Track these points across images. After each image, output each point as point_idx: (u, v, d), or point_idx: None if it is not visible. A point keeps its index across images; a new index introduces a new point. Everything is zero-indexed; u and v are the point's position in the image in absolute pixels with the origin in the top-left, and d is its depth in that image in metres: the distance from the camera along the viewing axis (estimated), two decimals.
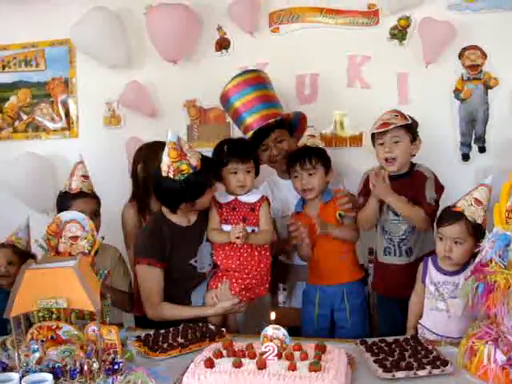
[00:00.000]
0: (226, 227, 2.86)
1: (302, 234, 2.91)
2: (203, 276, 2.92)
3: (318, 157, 2.96)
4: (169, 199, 2.82)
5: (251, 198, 2.89)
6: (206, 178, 2.76)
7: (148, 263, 2.80)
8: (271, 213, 2.97)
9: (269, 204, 2.93)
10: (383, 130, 2.81)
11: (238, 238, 2.74)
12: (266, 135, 3.19)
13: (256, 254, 2.82)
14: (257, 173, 2.95)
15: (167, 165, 2.68)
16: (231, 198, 2.90)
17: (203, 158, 2.77)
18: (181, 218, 2.89)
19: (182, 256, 2.86)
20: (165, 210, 2.89)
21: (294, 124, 3.30)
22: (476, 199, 2.46)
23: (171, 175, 2.68)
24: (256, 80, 3.32)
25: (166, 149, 2.67)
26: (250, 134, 3.20)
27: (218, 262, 2.86)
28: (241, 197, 2.89)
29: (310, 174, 2.94)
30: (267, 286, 2.88)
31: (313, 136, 3.09)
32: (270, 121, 3.16)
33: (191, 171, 2.68)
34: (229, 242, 2.80)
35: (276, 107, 3.28)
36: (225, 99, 3.36)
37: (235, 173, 2.85)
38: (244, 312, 2.94)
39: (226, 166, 2.85)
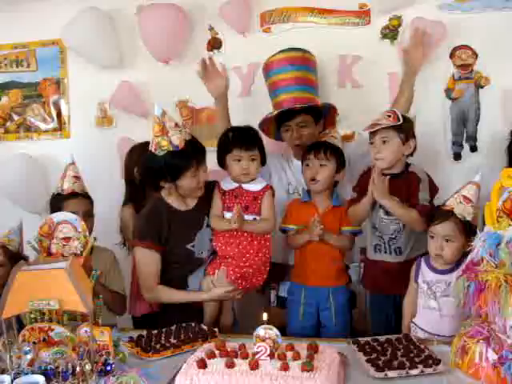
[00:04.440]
0: (228, 214, 2.85)
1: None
2: (201, 261, 2.91)
3: (333, 151, 2.98)
4: (149, 176, 2.83)
5: (255, 186, 2.88)
6: (185, 160, 2.73)
7: (145, 246, 2.81)
8: (275, 200, 2.95)
9: (273, 193, 2.92)
10: (369, 130, 2.83)
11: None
12: (291, 117, 3.22)
13: (255, 243, 2.81)
14: (263, 162, 2.93)
15: (151, 139, 2.70)
16: (235, 185, 2.89)
17: (190, 140, 2.76)
18: (179, 202, 2.89)
19: (178, 240, 2.85)
20: (163, 193, 2.88)
21: (323, 112, 3.33)
22: (464, 197, 2.47)
23: (153, 149, 2.69)
24: (299, 60, 3.34)
25: (151, 122, 2.69)
26: (274, 112, 3.26)
27: (217, 249, 2.86)
28: (244, 185, 2.88)
29: (322, 165, 2.95)
30: (265, 276, 2.87)
31: (334, 137, 3.09)
32: (296, 106, 3.19)
33: (171, 149, 2.67)
34: (229, 229, 2.80)
35: (310, 92, 3.31)
36: (265, 71, 3.44)
37: (239, 160, 2.84)
38: (241, 307, 2.94)
39: (230, 152, 2.85)
